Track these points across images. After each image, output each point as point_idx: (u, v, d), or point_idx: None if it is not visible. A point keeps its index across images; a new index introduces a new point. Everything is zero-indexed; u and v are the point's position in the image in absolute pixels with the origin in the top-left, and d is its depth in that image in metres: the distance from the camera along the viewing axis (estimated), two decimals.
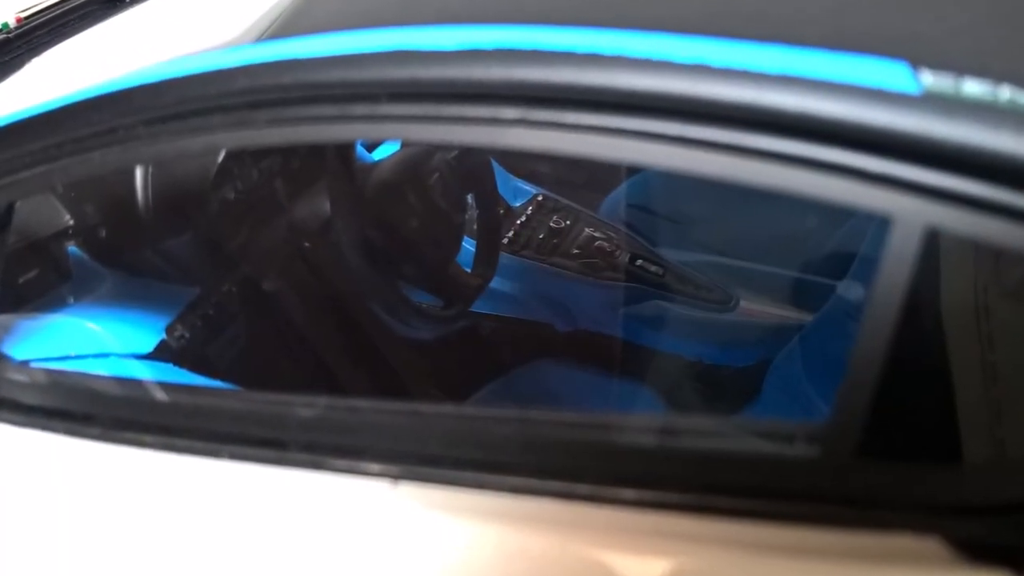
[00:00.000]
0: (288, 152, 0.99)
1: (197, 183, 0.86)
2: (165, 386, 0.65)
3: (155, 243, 0.87)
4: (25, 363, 0.74)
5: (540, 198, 1.36)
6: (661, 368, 1.18)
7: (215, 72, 0.53)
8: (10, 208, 0.73)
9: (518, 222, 1.30)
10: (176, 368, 0.82)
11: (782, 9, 0.49)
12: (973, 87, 0.38)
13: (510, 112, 0.45)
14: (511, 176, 1.38)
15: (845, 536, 0.44)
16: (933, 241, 0.39)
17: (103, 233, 0.86)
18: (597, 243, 1.27)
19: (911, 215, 0.39)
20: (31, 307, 0.83)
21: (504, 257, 1.19)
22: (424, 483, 0.53)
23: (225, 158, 0.87)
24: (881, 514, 0.44)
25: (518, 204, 1.35)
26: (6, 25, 1.00)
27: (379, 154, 1.17)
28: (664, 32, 0.44)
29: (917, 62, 0.40)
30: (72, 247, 0.87)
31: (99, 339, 0.80)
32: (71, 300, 0.86)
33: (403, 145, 1.06)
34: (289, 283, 0.99)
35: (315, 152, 0.98)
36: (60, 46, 0.94)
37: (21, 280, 0.82)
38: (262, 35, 0.59)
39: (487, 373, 1.08)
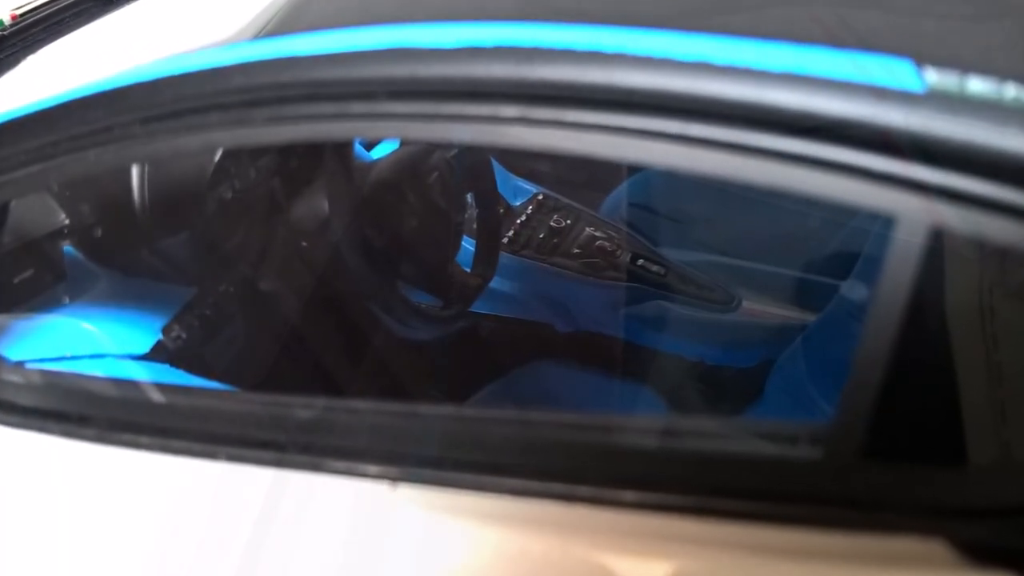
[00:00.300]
0: (286, 151, 0.99)
1: (194, 182, 0.86)
2: (162, 387, 0.65)
3: (151, 243, 0.87)
4: (20, 364, 0.74)
5: (540, 197, 1.36)
6: (663, 369, 1.18)
7: (212, 70, 0.53)
8: (5, 207, 0.73)
9: (518, 221, 1.30)
10: (173, 369, 0.82)
11: (785, 5, 0.49)
12: (978, 85, 0.38)
13: (510, 110, 0.45)
14: (511, 175, 1.38)
15: (848, 538, 0.44)
16: (937, 241, 0.39)
17: (99, 233, 0.86)
18: (598, 242, 1.27)
19: (915, 214, 0.39)
20: (26, 307, 0.83)
21: (504, 257, 1.19)
22: (423, 485, 0.53)
23: (222, 157, 0.87)
24: (885, 516, 0.44)
25: (518, 203, 1.35)
26: (1, 23, 1.00)
27: (377, 153, 1.17)
28: (665, 29, 0.44)
29: (921, 60, 0.40)
30: (68, 247, 0.87)
31: (95, 340, 0.80)
32: (67, 300, 0.86)
33: (402, 143, 1.06)
34: (287, 283, 0.99)
35: (313, 151, 0.98)
36: (56, 44, 0.94)
37: (16, 280, 0.82)
38: (260, 32, 0.59)
39: (487, 374, 1.08)
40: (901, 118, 0.37)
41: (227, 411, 0.63)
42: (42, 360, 0.76)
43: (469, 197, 1.10)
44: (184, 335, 0.86)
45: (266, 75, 0.51)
